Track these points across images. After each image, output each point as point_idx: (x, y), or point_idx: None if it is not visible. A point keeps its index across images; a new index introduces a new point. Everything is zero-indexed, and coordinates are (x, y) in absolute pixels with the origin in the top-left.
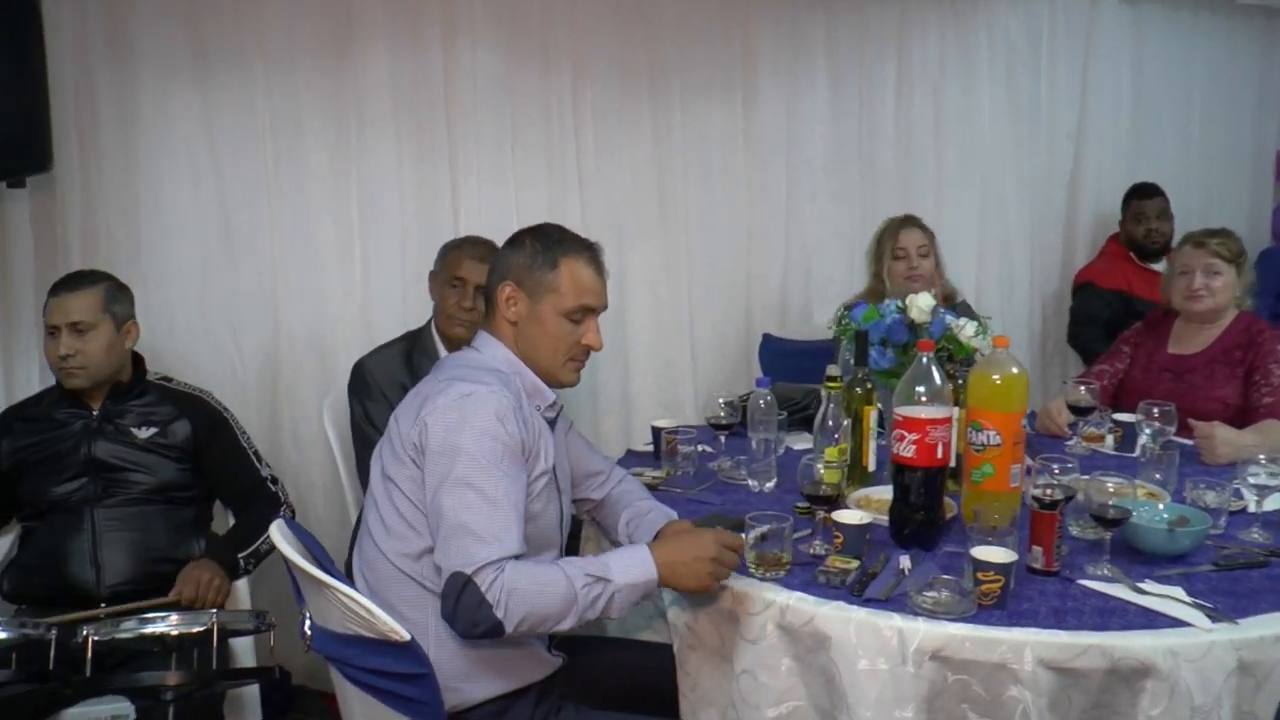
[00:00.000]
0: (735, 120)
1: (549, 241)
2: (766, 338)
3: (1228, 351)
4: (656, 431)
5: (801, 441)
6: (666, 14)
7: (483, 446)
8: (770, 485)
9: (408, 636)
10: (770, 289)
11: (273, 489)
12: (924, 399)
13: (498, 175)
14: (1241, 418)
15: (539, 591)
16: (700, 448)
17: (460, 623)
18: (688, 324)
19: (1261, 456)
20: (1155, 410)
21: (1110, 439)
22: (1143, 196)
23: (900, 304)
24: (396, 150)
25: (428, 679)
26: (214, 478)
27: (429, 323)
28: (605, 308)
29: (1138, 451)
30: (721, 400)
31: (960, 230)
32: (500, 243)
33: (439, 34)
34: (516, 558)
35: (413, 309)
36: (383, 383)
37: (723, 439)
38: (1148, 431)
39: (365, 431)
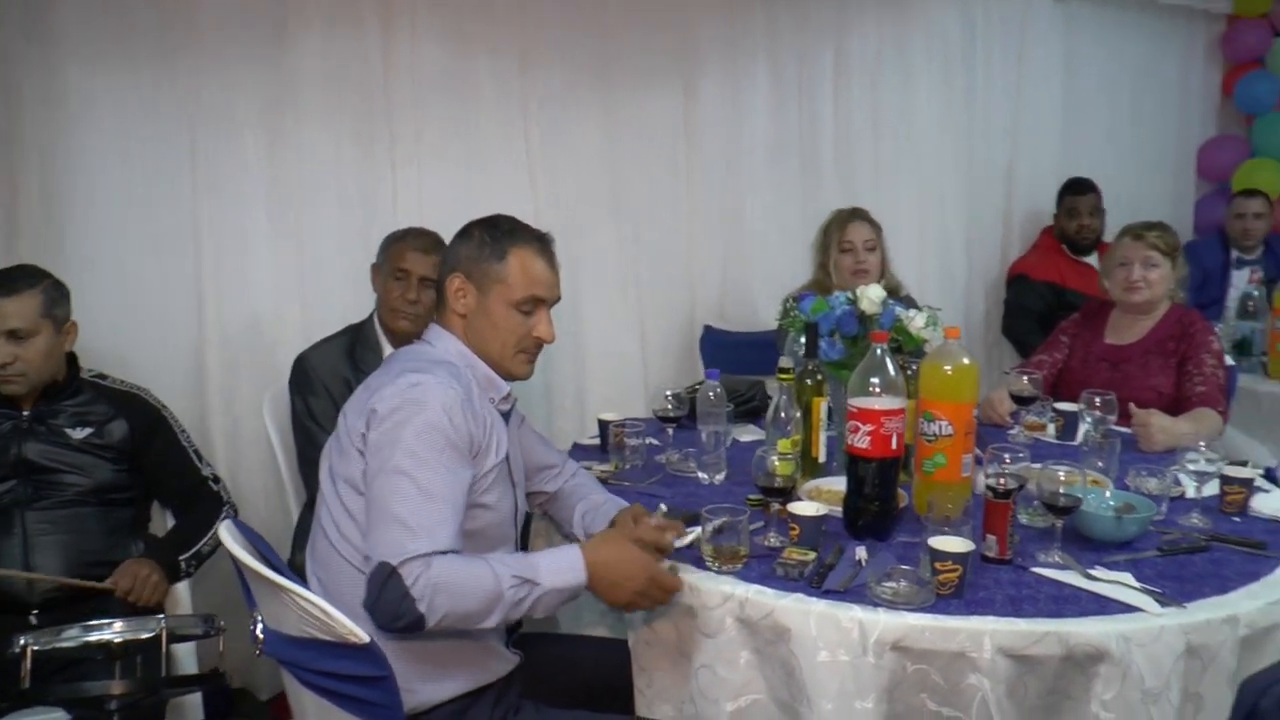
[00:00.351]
0: (677, 111)
1: (498, 232)
2: (708, 330)
3: (1162, 342)
4: (603, 424)
5: (747, 434)
6: (610, 1)
7: (425, 439)
8: (720, 478)
9: (367, 638)
10: (713, 281)
11: (214, 488)
12: (878, 390)
13: (441, 166)
14: (1175, 406)
15: (465, 589)
16: (647, 440)
17: (380, 615)
18: (638, 317)
19: (1202, 444)
20: (1097, 399)
21: (1052, 428)
22: (1076, 192)
23: (850, 295)
24: (335, 141)
25: (387, 681)
26: (153, 478)
27: (371, 315)
28: (557, 299)
29: (1079, 440)
30: (669, 393)
31: (900, 223)
32: (445, 235)
33: (377, 22)
34: (446, 553)
35: (354, 302)
36: (325, 377)
37: (670, 431)
38: (1089, 420)
39: (307, 427)
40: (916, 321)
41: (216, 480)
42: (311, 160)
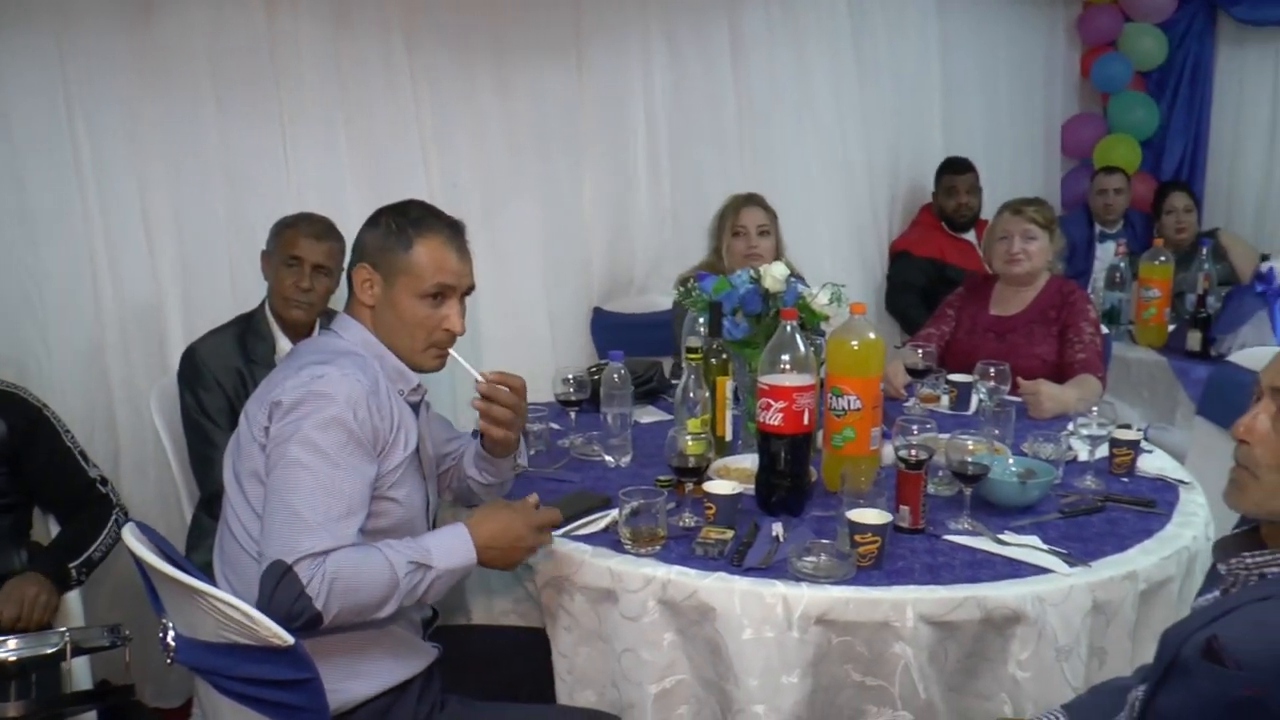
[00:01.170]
0: (572, 89)
1: (405, 220)
2: (597, 311)
3: (1044, 312)
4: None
5: (647, 415)
6: None
7: (327, 432)
8: (626, 460)
9: (291, 640)
10: (602, 262)
11: (103, 490)
12: (788, 367)
13: (333, 147)
14: (1059, 373)
15: (360, 582)
16: (550, 425)
17: (275, 614)
18: (544, 299)
19: (1094, 408)
20: (991, 370)
21: (945, 399)
22: (955, 171)
23: (754, 273)
24: (218, 121)
25: (313, 683)
26: (36, 481)
27: (263, 304)
28: (469, 289)
29: (972, 409)
30: (570, 376)
31: (792, 200)
32: (338, 218)
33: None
34: (341, 548)
35: (244, 289)
36: (216, 370)
37: (573, 415)
38: (984, 390)
39: (198, 422)
40: (820, 298)
41: (104, 482)
42: (194, 142)
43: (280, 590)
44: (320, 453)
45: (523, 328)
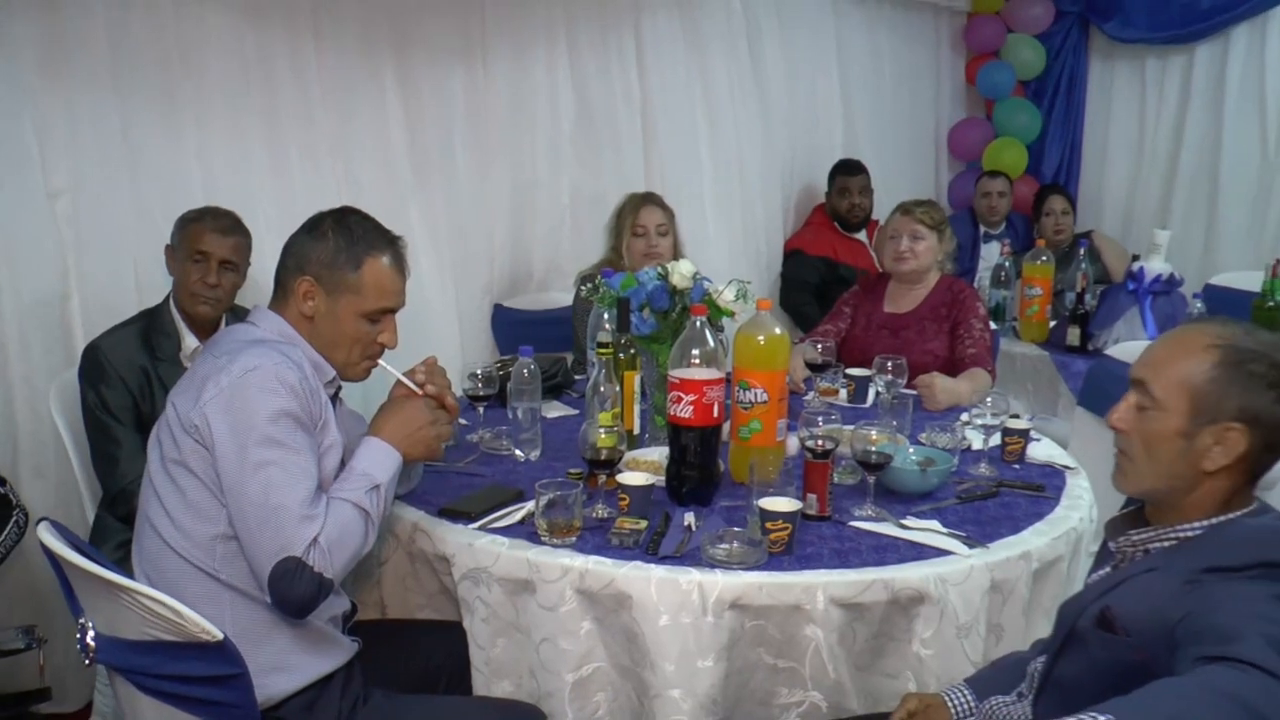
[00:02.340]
0: (476, 90)
1: (353, 238)
2: (498, 308)
3: (935, 309)
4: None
5: (553, 410)
6: None
7: (279, 425)
8: (536, 454)
9: (220, 635)
10: (508, 258)
11: (1, 490)
12: (697, 361)
13: (242, 143)
14: (950, 367)
15: (347, 538)
16: (459, 420)
17: (297, 603)
18: (453, 297)
19: (986, 400)
20: (889, 364)
21: (844, 393)
22: (847, 173)
23: (662, 270)
24: (122, 112)
25: (241, 678)
26: None
27: (167, 299)
28: (403, 306)
29: (869, 402)
30: (479, 371)
31: (688, 200)
32: (246, 216)
33: None
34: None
35: (149, 284)
36: (119, 366)
37: (481, 410)
38: (882, 383)
39: (101, 420)
40: (726, 294)
41: (3, 482)
42: (96, 134)
43: (299, 583)
44: (280, 445)
45: (428, 324)
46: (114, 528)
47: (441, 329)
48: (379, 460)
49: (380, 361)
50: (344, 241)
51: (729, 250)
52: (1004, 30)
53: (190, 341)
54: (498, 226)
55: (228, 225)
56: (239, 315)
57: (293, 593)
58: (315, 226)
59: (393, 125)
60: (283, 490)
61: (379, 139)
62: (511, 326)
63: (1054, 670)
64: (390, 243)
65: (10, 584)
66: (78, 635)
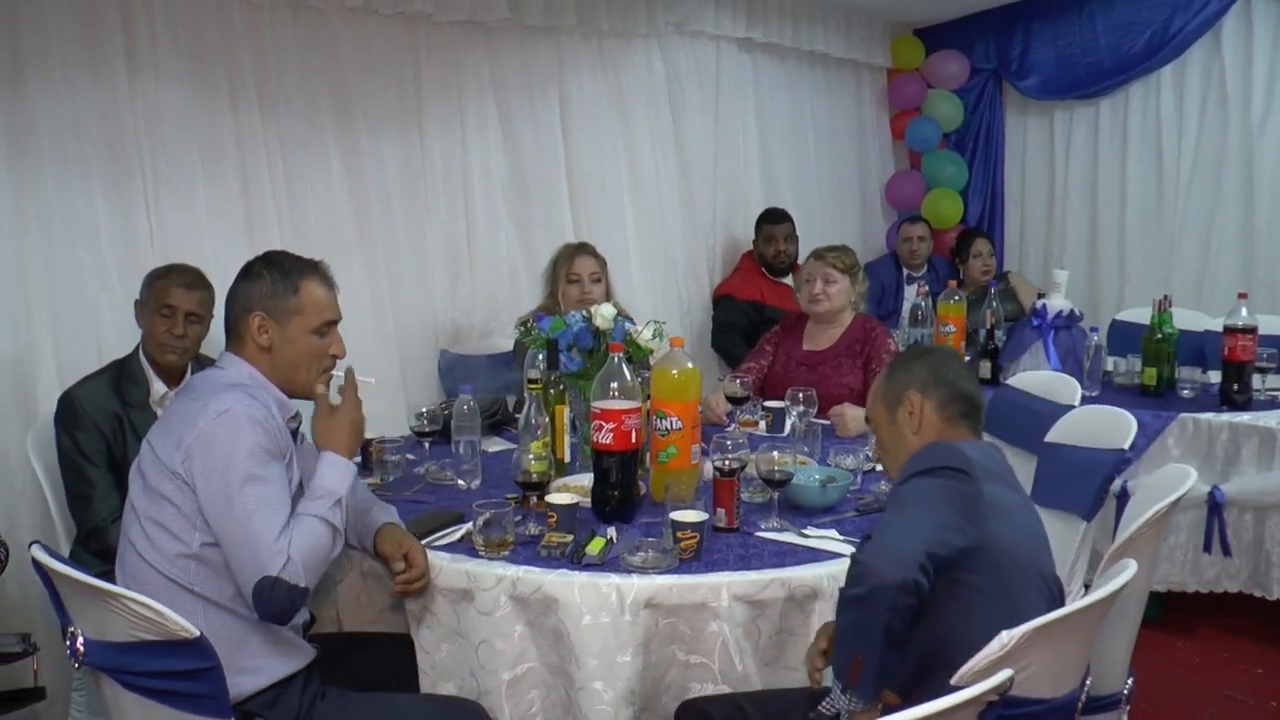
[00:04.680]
0: (414, 149)
1: (283, 270)
2: (443, 353)
3: (850, 346)
4: (363, 442)
5: (494, 445)
6: (344, 46)
7: (254, 460)
8: (476, 483)
9: (197, 633)
10: (446, 307)
11: None
12: (616, 393)
13: (192, 208)
14: (863, 400)
15: (317, 551)
16: (407, 455)
17: (278, 613)
18: (395, 343)
19: None
20: (800, 395)
21: (763, 423)
22: (773, 221)
23: (586, 313)
24: (85, 184)
25: (214, 671)
26: None
27: (136, 350)
28: (341, 318)
29: (786, 431)
30: (425, 410)
31: (626, 250)
32: (203, 271)
33: (123, 66)
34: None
35: (115, 339)
36: (93, 413)
37: (427, 445)
38: (796, 412)
39: (76, 463)
40: (644, 334)
41: None
42: (60, 203)
43: (279, 597)
44: (257, 478)
45: (375, 370)
46: (88, 562)
47: (385, 374)
48: (337, 475)
49: (356, 376)
50: (278, 274)
51: (652, 298)
52: (924, 86)
53: (159, 388)
54: (439, 278)
55: (192, 280)
56: (203, 363)
57: (274, 605)
58: (248, 272)
59: (336, 187)
60: (260, 519)
61: (323, 200)
62: (456, 370)
63: None
64: (314, 266)
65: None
66: (67, 642)
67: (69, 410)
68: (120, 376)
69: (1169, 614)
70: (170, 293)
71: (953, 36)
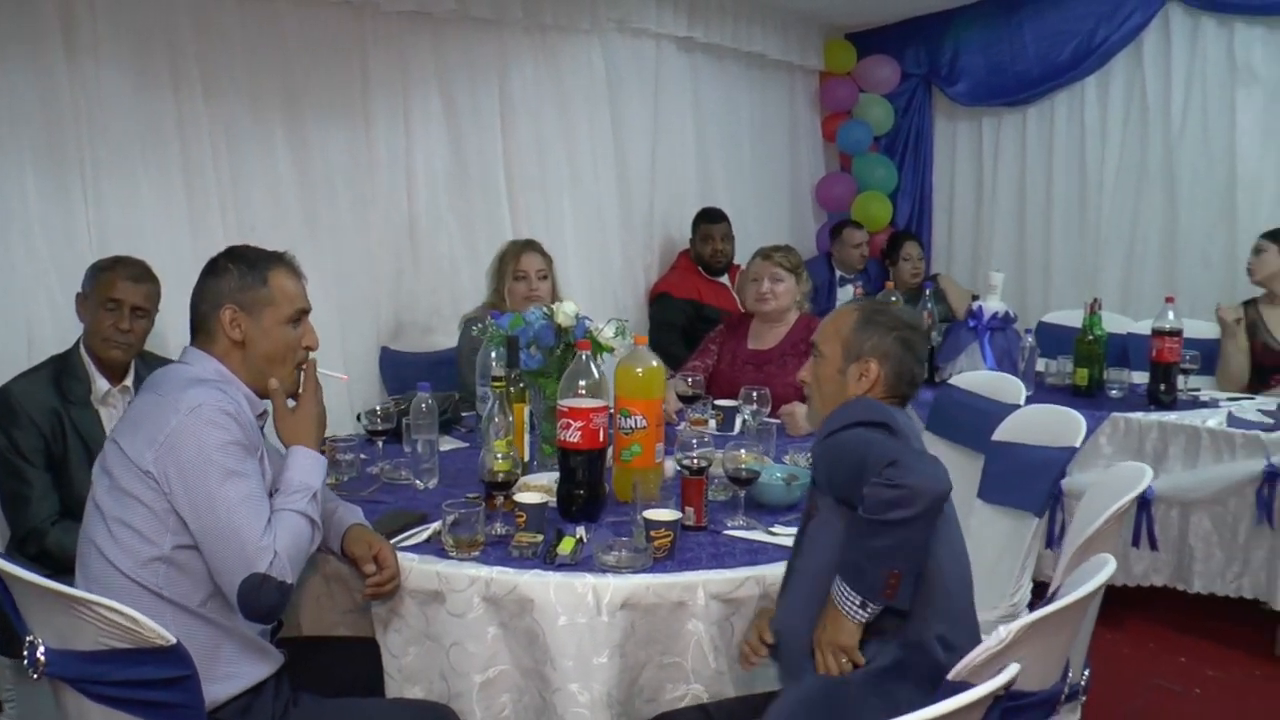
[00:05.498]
0: (359, 141)
1: (250, 262)
2: (385, 351)
3: (795, 345)
4: None
5: (446, 444)
6: (291, 32)
7: (229, 454)
8: (434, 483)
9: (173, 639)
10: (389, 304)
11: None
12: (584, 391)
13: (132, 198)
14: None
15: (298, 544)
16: (361, 455)
17: (266, 611)
18: (340, 340)
19: None
20: (754, 394)
21: (713, 422)
22: (710, 220)
23: (547, 310)
24: (17, 168)
25: (190, 679)
26: None
27: (77, 344)
28: (311, 309)
29: (736, 429)
30: (379, 408)
31: (567, 247)
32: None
33: (59, 45)
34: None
35: (52, 333)
36: (31, 410)
37: (380, 444)
38: (749, 411)
39: (11, 462)
40: (607, 332)
41: None
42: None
43: (266, 594)
44: (233, 474)
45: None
46: (22, 564)
47: (333, 369)
48: (309, 468)
49: (325, 370)
50: (245, 267)
51: (590, 296)
52: (856, 90)
53: (101, 385)
54: (382, 274)
55: (139, 273)
56: (147, 360)
57: (262, 603)
58: (213, 267)
59: (282, 179)
60: (241, 515)
61: (269, 192)
62: (398, 368)
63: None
64: (281, 257)
65: None
66: (25, 652)
67: (5, 407)
68: (60, 372)
69: (1100, 607)
70: (116, 286)
71: (884, 42)
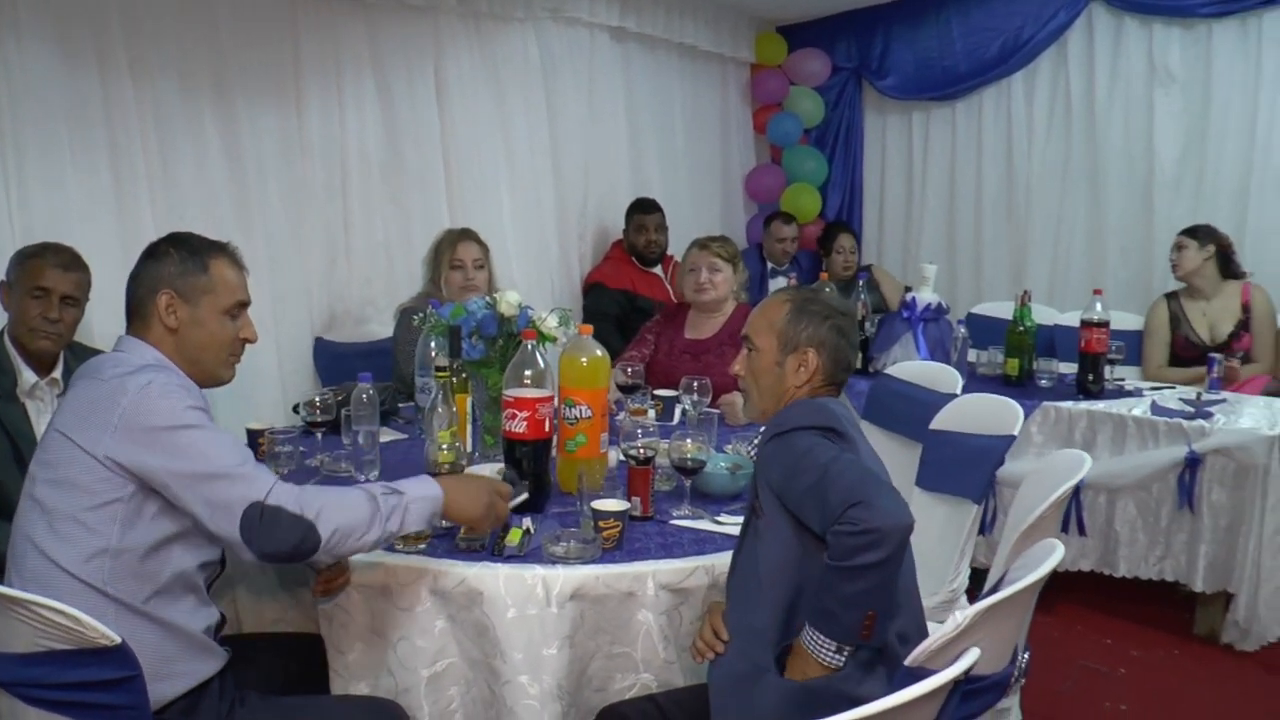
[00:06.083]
0: (292, 125)
1: (192, 248)
2: (319, 341)
3: (733, 335)
4: (252, 433)
5: (384, 435)
6: (221, 12)
7: (192, 413)
8: (375, 474)
9: (118, 639)
10: (322, 294)
11: None
12: (529, 381)
13: (58, 179)
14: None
15: (343, 502)
16: (299, 447)
17: (272, 545)
18: (273, 329)
19: None
20: (695, 384)
21: (652, 412)
22: (644, 211)
23: (490, 300)
24: None
25: (136, 680)
26: None
27: (1, 335)
28: (251, 302)
29: (675, 420)
30: (317, 398)
31: (498, 238)
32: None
33: None
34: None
35: None
36: None
37: (319, 436)
38: (689, 401)
39: None
40: (550, 321)
41: None
42: None
43: (270, 526)
44: (196, 426)
45: (250, 355)
46: None
47: (262, 361)
48: (418, 483)
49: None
50: (186, 252)
51: (525, 286)
52: (787, 82)
53: (29, 377)
54: (315, 263)
55: (69, 261)
56: (76, 351)
57: (275, 536)
58: (153, 251)
59: (212, 164)
60: (215, 456)
61: (199, 177)
62: (333, 359)
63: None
64: (223, 247)
65: None
66: None
67: None
68: None
69: None
70: (45, 274)
71: (815, 35)
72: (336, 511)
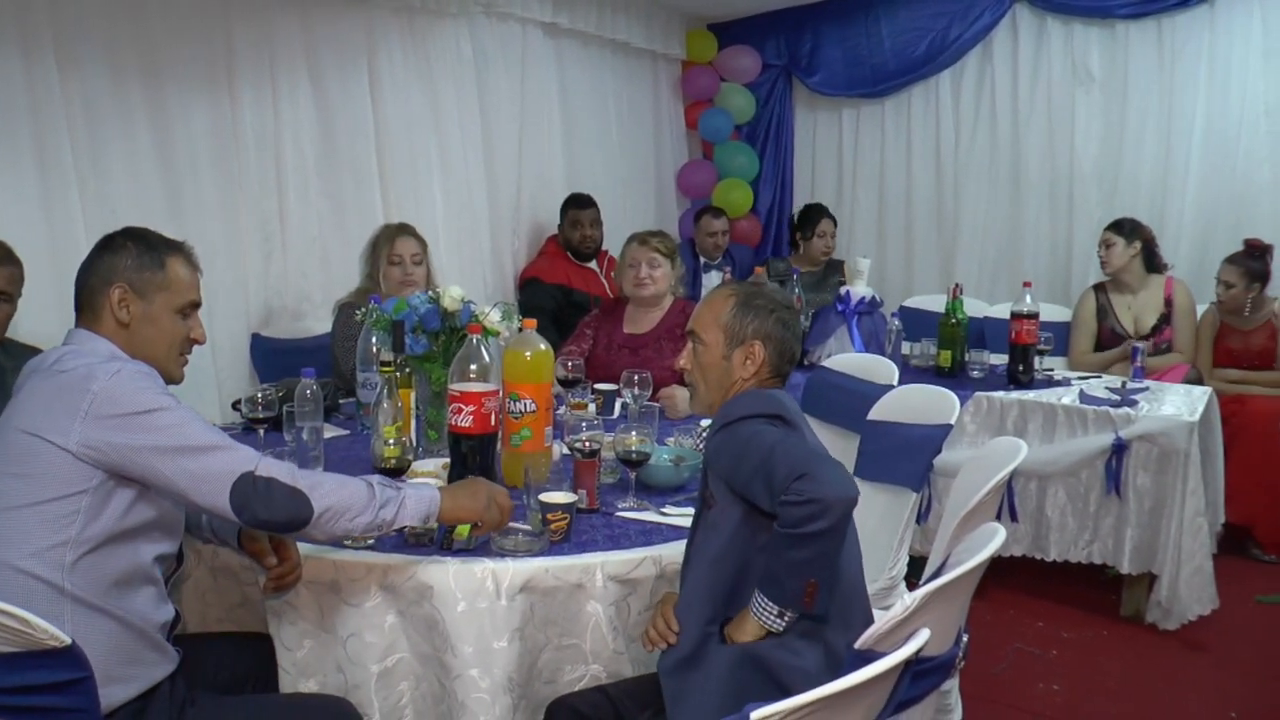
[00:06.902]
0: (225, 118)
1: (149, 243)
2: (256, 337)
3: (671, 329)
4: None
5: (326, 431)
6: (151, 4)
7: (165, 399)
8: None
9: (68, 640)
10: (258, 289)
11: None
12: (474, 375)
13: None
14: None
15: (340, 484)
16: None
17: (267, 513)
18: (208, 325)
19: None
20: (635, 377)
21: (592, 406)
22: (579, 206)
23: (433, 294)
24: None
25: (87, 682)
26: None
27: None
28: (203, 302)
29: (616, 414)
30: (259, 394)
31: (432, 232)
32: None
33: None
34: None
35: None
36: None
37: (261, 433)
38: (630, 395)
39: None
40: (493, 316)
41: None
42: None
43: (263, 495)
44: (172, 408)
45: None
46: None
47: (197, 357)
48: (415, 484)
49: None
50: (143, 247)
51: (460, 281)
52: (717, 79)
53: None
54: (250, 258)
55: (1, 254)
56: (8, 348)
57: (268, 507)
58: (109, 244)
59: (143, 155)
60: (192, 435)
61: (129, 168)
62: (270, 355)
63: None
64: (180, 245)
65: None
66: None
67: None
68: None
69: None
70: None
71: (745, 32)
72: (330, 490)
